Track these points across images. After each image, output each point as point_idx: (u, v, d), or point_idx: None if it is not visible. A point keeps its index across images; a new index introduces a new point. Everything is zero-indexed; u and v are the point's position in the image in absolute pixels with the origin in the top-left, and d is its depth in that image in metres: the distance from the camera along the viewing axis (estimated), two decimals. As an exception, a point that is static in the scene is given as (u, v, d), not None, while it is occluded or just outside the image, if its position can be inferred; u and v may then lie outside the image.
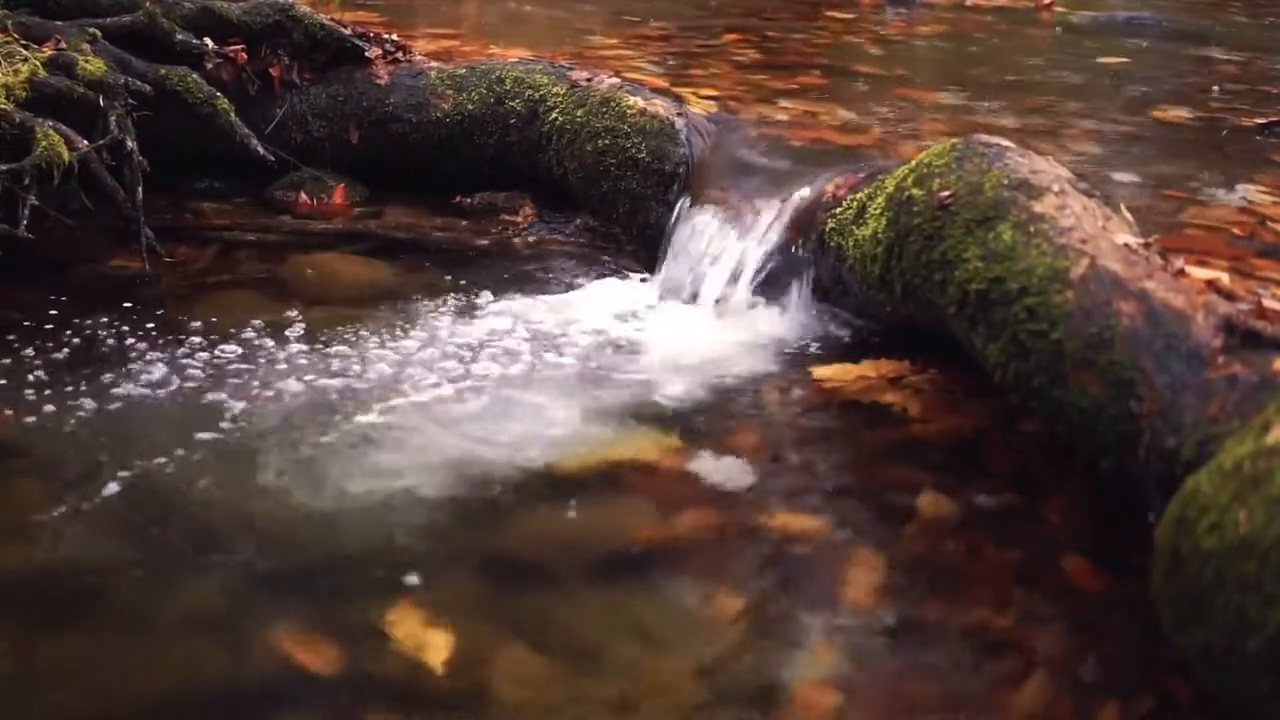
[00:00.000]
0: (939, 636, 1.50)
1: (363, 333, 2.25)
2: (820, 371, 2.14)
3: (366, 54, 2.99)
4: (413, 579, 1.58)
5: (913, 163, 2.08)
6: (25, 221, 2.31)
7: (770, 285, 2.37)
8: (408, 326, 2.28)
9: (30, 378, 2.02)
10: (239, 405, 1.97)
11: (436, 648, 1.46)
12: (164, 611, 1.51)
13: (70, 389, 1.99)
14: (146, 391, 2.00)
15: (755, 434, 1.97)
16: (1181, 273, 1.64)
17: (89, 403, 1.95)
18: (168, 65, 2.76)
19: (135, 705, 1.37)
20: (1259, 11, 6.02)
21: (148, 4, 2.81)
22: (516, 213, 2.89)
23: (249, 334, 2.21)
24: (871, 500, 1.81)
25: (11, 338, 2.16)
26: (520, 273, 2.59)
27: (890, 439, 1.95)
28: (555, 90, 2.87)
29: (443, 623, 1.50)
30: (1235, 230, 2.31)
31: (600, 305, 2.43)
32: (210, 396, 1.99)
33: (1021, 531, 1.70)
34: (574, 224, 2.82)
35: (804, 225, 2.35)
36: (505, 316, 2.35)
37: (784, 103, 3.14)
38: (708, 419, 2.02)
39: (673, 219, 2.56)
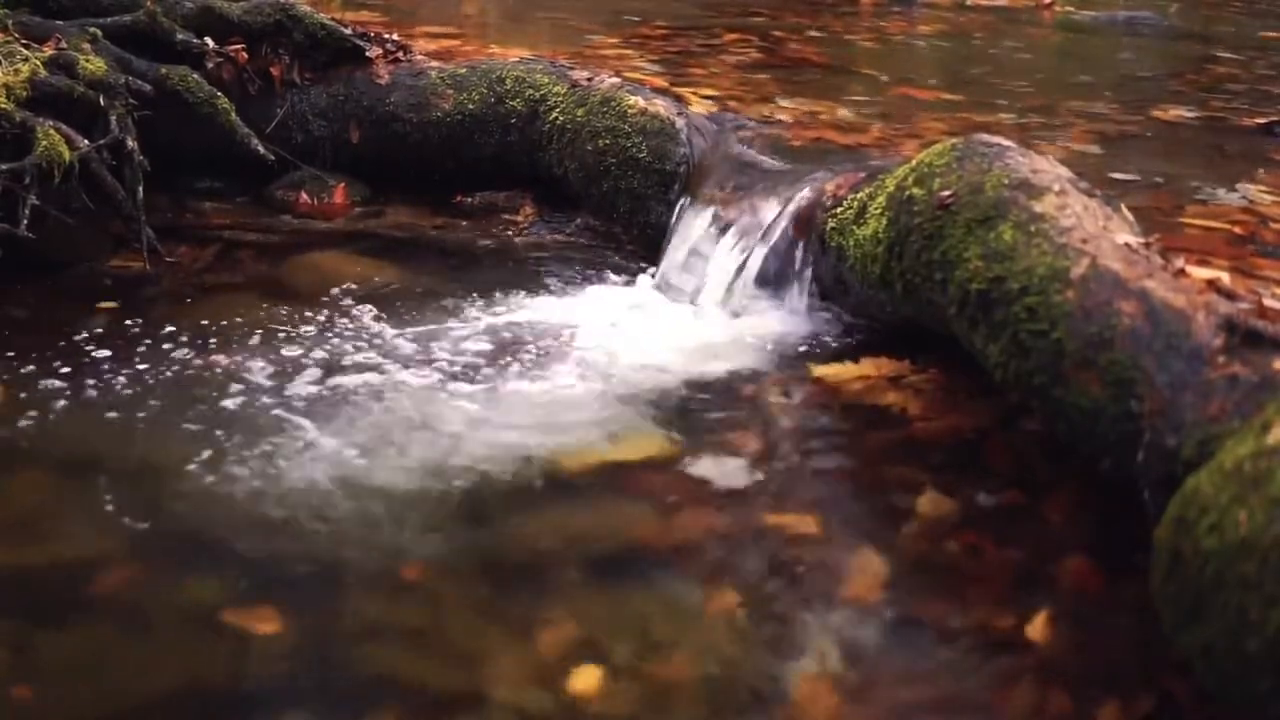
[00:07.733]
0: (939, 636, 1.50)
1: (363, 332, 2.25)
2: (820, 371, 2.14)
3: (367, 53, 2.99)
4: (412, 577, 1.58)
5: (913, 162, 2.08)
6: (26, 220, 2.31)
7: (771, 284, 2.37)
8: (408, 326, 2.28)
9: (30, 377, 2.02)
10: (239, 404, 1.97)
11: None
12: (163, 610, 1.51)
13: (71, 388, 1.99)
14: (147, 391, 2.00)
15: (755, 433, 1.97)
16: (1182, 272, 1.64)
17: (89, 402, 1.95)
18: (168, 65, 2.76)
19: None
20: (1259, 11, 6.02)
21: (148, 3, 2.81)
22: (517, 212, 2.89)
23: (249, 334, 2.22)
24: (872, 500, 1.81)
25: (12, 337, 2.16)
26: (521, 272, 2.59)
27: (890, 438, 1.94)
28: (556, 90, 2.87)
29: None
30: (1236, 230, 2.31)
31: (600, 304, 2.43)
32: (210, 396, 1.99)
33: (1022, 531, 1.70)
34: (574, 223, 2.82)
35: (804, 225, 2.34)
36: (505, 316, 2.35)
37: (784, 102, 3.14)
38: (708, 418, 2.02)
39: (673, 218, 2.57)
